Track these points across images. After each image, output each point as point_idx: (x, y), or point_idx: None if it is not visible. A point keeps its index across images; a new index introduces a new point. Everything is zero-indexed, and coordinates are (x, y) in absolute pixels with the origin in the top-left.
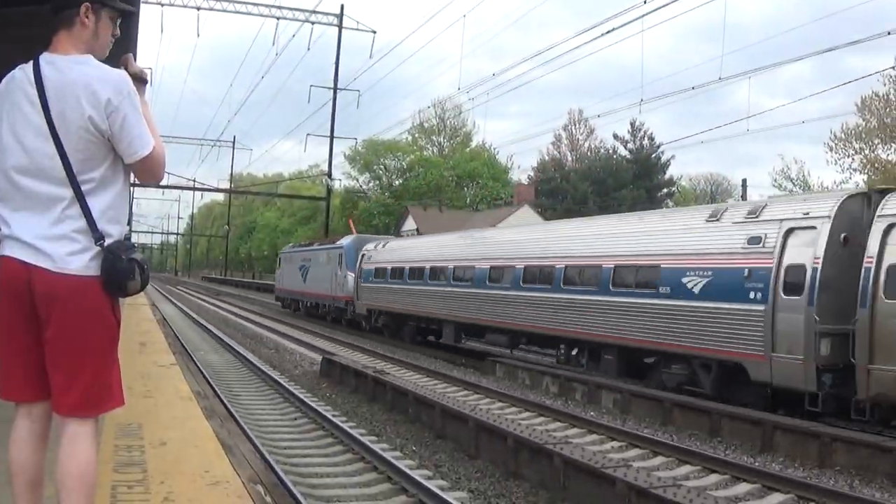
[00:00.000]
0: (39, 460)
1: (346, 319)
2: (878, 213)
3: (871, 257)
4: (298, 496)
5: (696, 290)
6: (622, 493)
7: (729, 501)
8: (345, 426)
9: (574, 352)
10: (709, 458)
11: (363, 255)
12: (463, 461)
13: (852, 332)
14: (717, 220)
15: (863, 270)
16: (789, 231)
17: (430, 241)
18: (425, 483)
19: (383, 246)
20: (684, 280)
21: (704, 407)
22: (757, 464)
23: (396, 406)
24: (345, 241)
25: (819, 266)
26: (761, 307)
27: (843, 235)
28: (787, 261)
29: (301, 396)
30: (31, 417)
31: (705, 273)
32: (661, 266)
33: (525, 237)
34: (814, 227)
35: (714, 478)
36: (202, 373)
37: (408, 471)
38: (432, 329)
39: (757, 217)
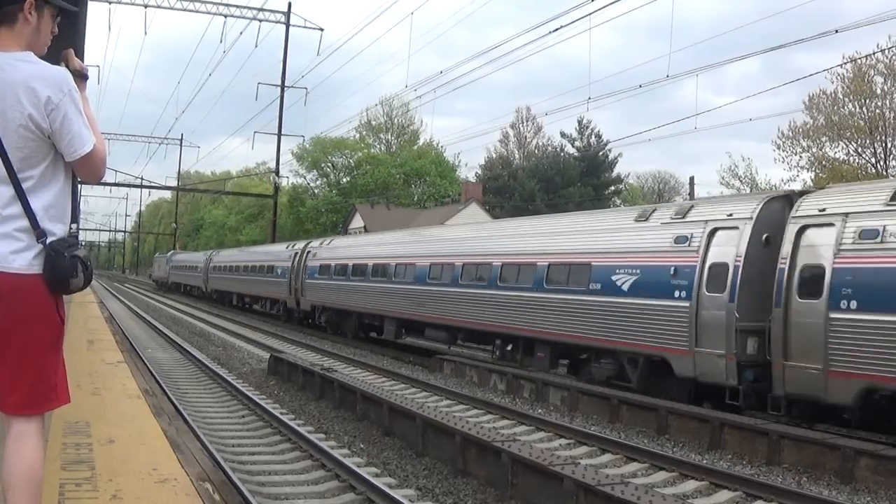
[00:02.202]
0: None
1: (165, 287)
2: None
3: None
4: (247, 494)
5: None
6: (570, 490)
7: (677, 499)
8: (293, 424)
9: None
10: (657, 456)
11: (170, 259)
12: (411, 459)
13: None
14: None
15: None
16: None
17: (191, 254)
18: (373, 480)
19: (176, 255)
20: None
21: (652, 404)
22: (705, 461)
23: (344, 404)
24: (169, 252)
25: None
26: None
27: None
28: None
29: (249, 394)
30: None
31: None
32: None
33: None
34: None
35: (662, 475)
36: (150, 370)
37: (355, 468)
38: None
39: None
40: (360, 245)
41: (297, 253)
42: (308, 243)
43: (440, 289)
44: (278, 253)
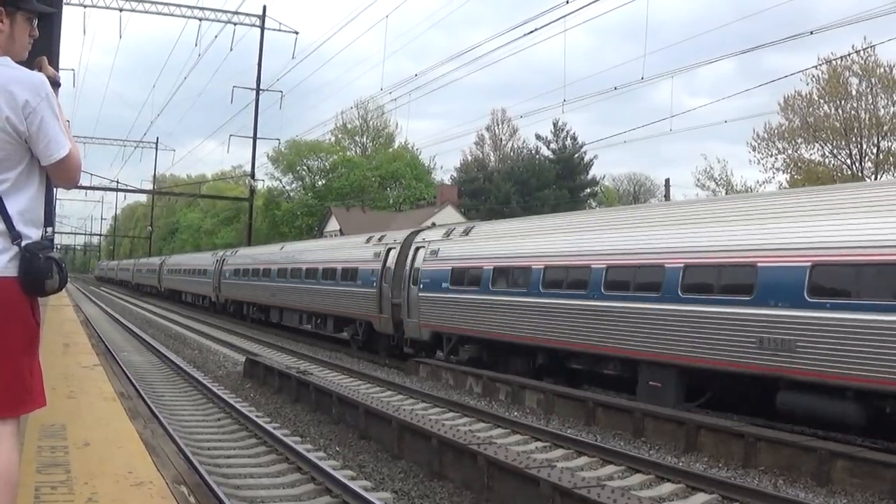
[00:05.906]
0: None
1: (102, 280)
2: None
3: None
4: (222, 497)
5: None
6: (546, 493)
7: (653, 501)
8: (269, 427)
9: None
10: (633, 459)
11: (99, 265)
12: (387, 462)
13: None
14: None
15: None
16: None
17: (148, 259)
18: (349, 484)
19: (102, 263)
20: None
21: (628, 407)
22: (681, 464)
23: (320, 407)
24: (103, 261)
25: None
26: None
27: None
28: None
29: (225, 397)
30: None
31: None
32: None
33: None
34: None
35: (638, 478)
36: (126, 374)
37: (331, 471)
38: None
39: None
40: (248, 255)
41: (217, 259)
42: (225, 252)
43: (279, 284)
44: (206, 259)
